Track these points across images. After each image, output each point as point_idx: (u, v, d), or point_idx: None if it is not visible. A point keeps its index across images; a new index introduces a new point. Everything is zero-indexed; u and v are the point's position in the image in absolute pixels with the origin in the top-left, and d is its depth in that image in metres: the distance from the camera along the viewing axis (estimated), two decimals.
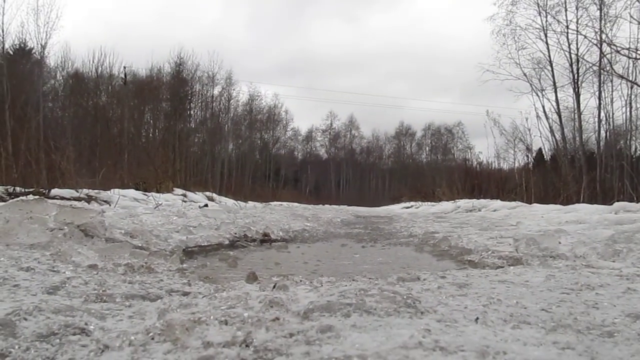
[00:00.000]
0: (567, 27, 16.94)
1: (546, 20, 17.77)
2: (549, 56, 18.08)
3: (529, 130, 19.59)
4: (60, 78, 29.44)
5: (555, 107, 18.08)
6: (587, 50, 16.58)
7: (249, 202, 16.47)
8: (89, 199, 6.81)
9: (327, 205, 19.24)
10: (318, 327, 0.63)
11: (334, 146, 59.94)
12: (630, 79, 15.21)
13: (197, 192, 14.53)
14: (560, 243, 1.81)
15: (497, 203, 11.14)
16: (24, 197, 4.23)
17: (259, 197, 24.68)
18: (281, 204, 16.23)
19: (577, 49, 16.96)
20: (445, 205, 13.08)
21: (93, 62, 30.77)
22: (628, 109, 16.12)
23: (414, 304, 0.75)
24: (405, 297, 0.77)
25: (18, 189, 6.79)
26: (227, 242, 2.25)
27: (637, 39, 14.33)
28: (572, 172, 16.10)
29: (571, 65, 17.35)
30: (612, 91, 16.50)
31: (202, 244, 2.10)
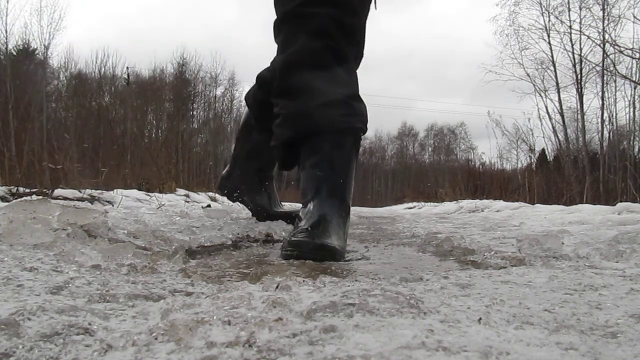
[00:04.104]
0: (570, 27, 16.93)
1: (549, 21, 17.76)
2: (552, 56, 18.07)
3: (532, 130, 19.57)
4: (64, 79, 29.58)
5: (558, 107, 18.05)
6: (591, 51, 16.55)
7: None
8: (92, 199, 6.83)
9: None
10: (321, 327, 0.63)
11: None
12: (634, 79, 15.18)
13: (200, 193, 14.55)
14: (563, 244, 1.81)
15: (500, 204, 11.12)
16: (27, 198, 4.24)
17: None
18: (284, 205, 16.20)
19: (581, 49, 16.94)
20: (448, 206, 13.07)
21: (96, 62, 30.91)
22: (631, 109, 16.09)
23: (416, 304, 0.75)
24: (408, 297, 0.77)
25: (21, 189, 6.81)
26: (230, 242, 2.25)
27: None
28: (575, 172, 16.07)
29: (574, 65, 17.33)
30: (616, 91, 16.47)
31: (205, 245, 2.10)
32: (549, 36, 17.91)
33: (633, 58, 14.45)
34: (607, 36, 15.09)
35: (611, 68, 15.33)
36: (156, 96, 31.77)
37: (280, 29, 2.18)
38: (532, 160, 20.19)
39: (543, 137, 18.97)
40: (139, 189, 10.72)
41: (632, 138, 16.54)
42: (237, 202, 3.01)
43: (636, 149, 16.64)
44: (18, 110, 16.57)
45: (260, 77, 2.36)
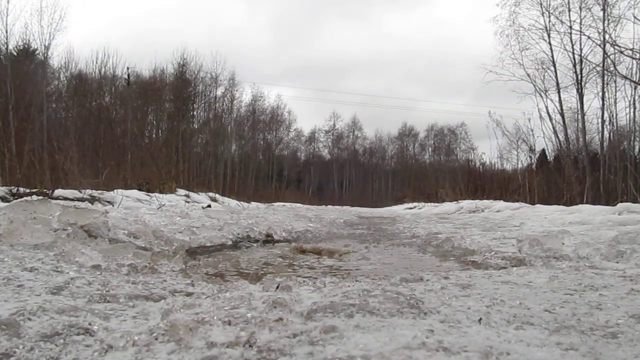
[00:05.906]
0: (571, 27, 16.92)
1: (549, 21, 17.74)
2: (552, 57, 18.05)
3: (532, 131, 19.57)
4: (64, 79, 29.53)
5: (559, 107, 18.04)
6: (591, 51, 16.53)
7: (252, 202, 16.48)
8: (92, 199, 6.83)
9: (330, 206, 19.21)
10: (321, 327, 0.63)
11: (337, 147, 59.87)
12: (634, 79, 15.17)
13: (200, 193, 14.55)
14: (563, 244, 1.81)
15: (500, 204, 11.12)
16: (27, 198, 4.23)
17: (262, 197, 24.69)
18: (284, 205, 16.24)
19: (581, 49, 16.92)
20: (449, 206, 13.05)
21: (96, 63, 30.87)
22: (632, 109, 16.08)
23: (417, 304, 0.75)
24: (408, 297, 0.77)
25: (22, 189, 6.81)
26: (230, 242, 2.25)
27: None
28: (575, 173, 16.04)
29: (574, 65, 17.31)
30: (616, 92, 16.46)
31: (206, 245, 2.10)
32: (549, 36, 17.90)
33: (633, 58, 14.45)
34: (607, 36, 15.08)
35: (611, 68, 15.31)
36: (156, 96, 31.67)
37: None
38: (533, 161, 20.22)
39: (543, 137, 18.96)
40: (139, 189, 10.72)
41: (632, 138, 16.55)
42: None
43: (636, 150, 16.64)
44: (18, 111, 16.59)
45: None
